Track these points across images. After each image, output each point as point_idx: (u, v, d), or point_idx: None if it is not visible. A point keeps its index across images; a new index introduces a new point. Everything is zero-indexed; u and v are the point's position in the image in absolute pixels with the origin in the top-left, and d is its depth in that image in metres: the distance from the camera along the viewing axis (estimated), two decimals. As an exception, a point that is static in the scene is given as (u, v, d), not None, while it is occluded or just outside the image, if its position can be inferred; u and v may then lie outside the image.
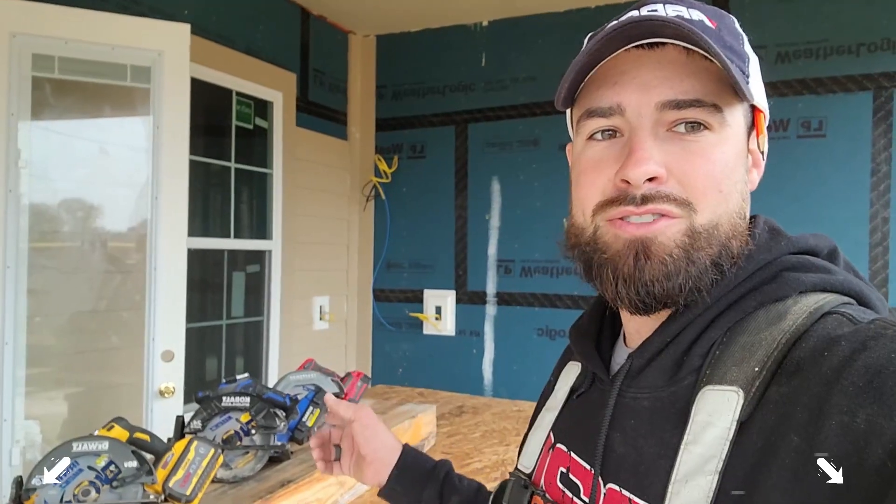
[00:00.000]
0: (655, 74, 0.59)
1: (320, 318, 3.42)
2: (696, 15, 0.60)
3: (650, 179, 0.57)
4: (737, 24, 0.65)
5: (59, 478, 1.18)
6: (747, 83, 0.59)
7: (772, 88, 2.90)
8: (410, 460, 0.95)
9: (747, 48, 0.64)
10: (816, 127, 2.85)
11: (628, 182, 0.58)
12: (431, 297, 3.53)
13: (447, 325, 3.49)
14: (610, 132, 0.61)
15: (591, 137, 0.63)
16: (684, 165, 0.58)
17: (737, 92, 0.58)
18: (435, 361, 3.52)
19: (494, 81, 3.40)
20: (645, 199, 0.57)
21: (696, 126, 0.58)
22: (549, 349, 3.24)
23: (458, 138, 3.48)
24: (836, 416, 0.47)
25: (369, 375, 2.21)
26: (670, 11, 0.60)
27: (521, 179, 3.33)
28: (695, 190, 0.58)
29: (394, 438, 0.97)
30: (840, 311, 0.56)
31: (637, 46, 0.60)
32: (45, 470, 1.17)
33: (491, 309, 3.41)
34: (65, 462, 1.16)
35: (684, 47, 0.59)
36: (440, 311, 3.49)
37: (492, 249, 3.41)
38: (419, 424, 2.26)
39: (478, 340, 3.44)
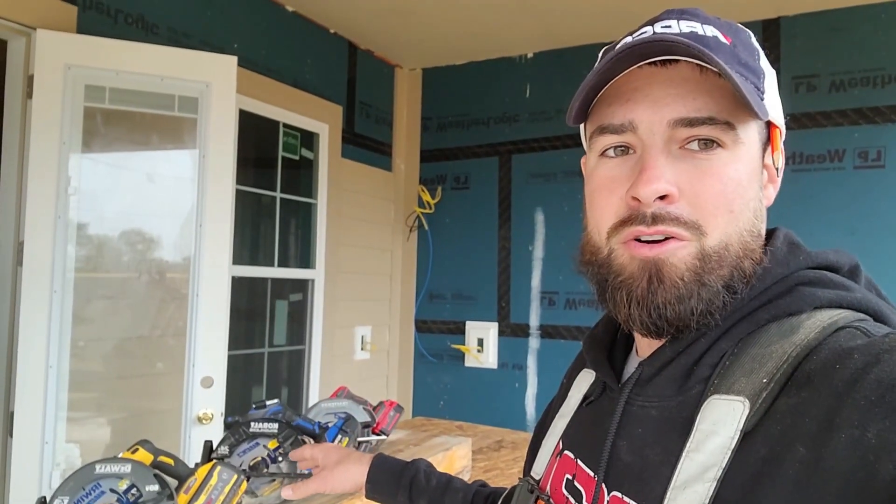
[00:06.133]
0: (668, 91, 0.58)
1: (362, 348, 3.42)
2: (710, 31, 0.60)
3: (661, 198, 0.57)
4: (753, 39, 0.65)
5: (79, 500, 1.18)
6: (762, 99, 0.59)
7: (826, 118, 2.81)
8: (379, 473, 1.03)
9: (763, 63, 0.63)
10: (875, 157, 2.73)
11: (639, 200, 0.58)
12: (473, 329, 3.49)
13: (489, 358, 3.43)
14: (622, 148, 0.61)
15: (603, 154, 0.63)
16: (696, 185, 0.57)
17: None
18: (476, 394, 3.46)
19: (538, 112, 3.38)
20: (655, 219, 0.57)
21: (709, 143, 0.58)
22: (593, 384, 3.15)
23: (502, 169, 3.46)
24: (847, 430, 0.46)
25: (403, 406, 2.17)
26: (684, 27, 0.60)
27: (565, 210, 3.29)
28: (705, 211, 0.57)
29: (357, 468, 1.05)
30: (854, 325, 0.54)
31: (650, 63, 0.60)
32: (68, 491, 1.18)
33: (534, 342, 3.35)
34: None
35: (697, 64, 0.58)
36: (482, 344, 3.45)
37: (535, 281, 3.36)
38: (453, 458, 2.21)
39: (520, 374, 3.37)
